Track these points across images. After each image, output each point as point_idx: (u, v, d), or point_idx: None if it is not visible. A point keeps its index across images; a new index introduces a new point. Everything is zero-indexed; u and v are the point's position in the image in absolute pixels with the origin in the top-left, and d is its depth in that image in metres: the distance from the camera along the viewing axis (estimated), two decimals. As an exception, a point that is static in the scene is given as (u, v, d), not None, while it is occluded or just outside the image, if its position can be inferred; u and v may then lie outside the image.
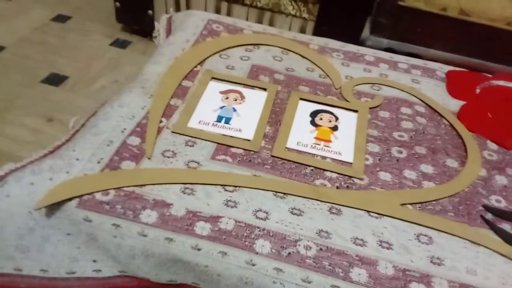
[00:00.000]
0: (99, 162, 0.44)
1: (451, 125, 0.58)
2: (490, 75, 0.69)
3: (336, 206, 0.44)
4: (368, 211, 0.44)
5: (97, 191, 0.40)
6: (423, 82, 0.65)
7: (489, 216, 0.46)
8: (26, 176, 0.42)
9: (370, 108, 0.59)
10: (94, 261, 0.41)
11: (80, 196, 0.40)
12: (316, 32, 1.25)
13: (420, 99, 0.61)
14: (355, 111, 0.57)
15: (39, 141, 0.93)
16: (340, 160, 0.50)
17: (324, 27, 1.16)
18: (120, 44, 1.24)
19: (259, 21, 1.17)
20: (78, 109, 1.01)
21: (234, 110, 0.54)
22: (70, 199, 0.40)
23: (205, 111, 0.53)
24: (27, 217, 0.40)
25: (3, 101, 1.02)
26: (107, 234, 0.39)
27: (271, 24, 1.14)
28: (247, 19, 1.09)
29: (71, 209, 0.40)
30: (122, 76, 1.11)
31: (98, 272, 0.41)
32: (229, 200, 0.43)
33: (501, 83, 0.68)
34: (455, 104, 0.61)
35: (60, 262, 0.41)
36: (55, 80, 1.12)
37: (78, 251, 0.41)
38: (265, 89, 0.58)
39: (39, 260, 0.41)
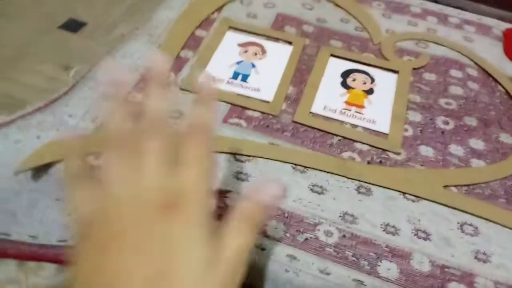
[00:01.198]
0: (93, 121, 0.38)
1: (508, 93, 0.49)
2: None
3: (366, 184, 0.38)
4: (404, 193, 0.38)
5: (89, 154, 0.35)
6: (477, 41, 0.55)
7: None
8: (12, 132, 0.37)
9: (414, 68, 0.50)
10: (87, 230, 0.36)
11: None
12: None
13: (473, 61, 0.52)
14: (396, 71, 0.49)
15: (55, 89, 0.90)
16: (374, 130, 0.43)
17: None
18: (140, -12, 1.16)
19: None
20: (95, 57, 0.96)
21: (253, 66, 0.47)
22: (58, 161, 0.35)
23: (219, 66, 0.46)
24: (12, 179, 0.36)
25: (18, 48, 0.97)
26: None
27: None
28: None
29: (59, 173, 0.35)
30: (143, 24, 1.05)
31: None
32: (240, 172, 0.37)
33: None
34: (512, 68, 0.52)
35: (50, 229, 0.37)
36: (72, 26, 1.07)
37: (70, 218, 0.36)
38: (290, 43, 0.50)
39: (27, 225, 0.37)
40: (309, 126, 0.42)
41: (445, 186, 0.39)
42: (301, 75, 0.47)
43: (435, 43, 0.54)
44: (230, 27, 0.51)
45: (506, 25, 0.59)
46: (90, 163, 0.35)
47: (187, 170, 0.21)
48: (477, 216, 0.37)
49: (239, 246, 0.21)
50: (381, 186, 0.38)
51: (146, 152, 0.22)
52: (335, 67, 0.49)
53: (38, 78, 0.94)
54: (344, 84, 0.47)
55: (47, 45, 1.02)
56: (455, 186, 0.39)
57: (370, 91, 0.47)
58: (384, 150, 0.41)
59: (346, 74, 0.48)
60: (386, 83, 0.48)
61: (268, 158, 0.38)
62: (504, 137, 0.44)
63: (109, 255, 0.20)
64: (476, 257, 0.34)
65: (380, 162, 0.40)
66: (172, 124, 0.26)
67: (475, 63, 0.52)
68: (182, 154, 0.22)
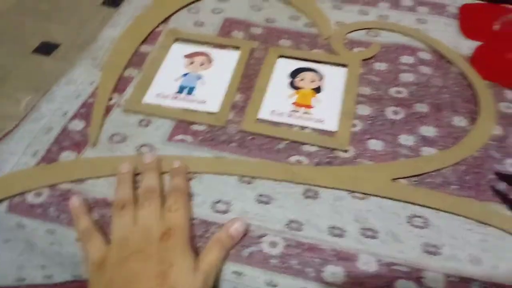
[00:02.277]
0: (34, 155, 0.38)
1: (462, 74, 0.48)
2: (514, 5, 0.57)
3: (313, 187, 0.38)
4: (352, 191, 0.38)
5: (29, 191, 0.35)
6: (430, 22, 0.54)
7: (502, 186, 0.39)
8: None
9: (364, 60, 0.49)
10: (43, 266, 0.37)
11: (10, 198, 0.35)
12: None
13: (426, 44, 0.52)
14: (345, 65, 0.49)
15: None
16: (322, 130, 0.42)
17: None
18: (113, 1, 1.16)
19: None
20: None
21: (199, 77, 0.46)
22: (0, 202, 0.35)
23: (165, 81, 0.45)
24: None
25: (-6, 74, 0.98)
26: (43, 241, 0.35)
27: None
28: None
29: (1, 214, 0.35)
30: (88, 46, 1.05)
31: (50, 278, 0.37)
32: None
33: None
34: (470, 47, 0.51)
35: (5, 270, 0.37)
36: (46, 49, 1.06)
37: (23, 258, 0.37)
38: (238, 48, 0.50)
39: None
40: (256, 134, 0.42)
41: (394, 179, 0.39)
42: (249, 81, 0.47)
43: (386, 30, 0.53)
44: (176, 39, 0.51)
45: (464, 1, 0.58)
46: (29, 202, 0.35)
47: (173, 213, 0.34)
48: (427, 207, 0.37)
49: (211, 261, 0.32)
50: (329, 188, 0.38)
51: (149, 207, 0.34)
52: (283, 68, 0.48)
53: (16, 105, 0.95)
54: (292, 85, 0.46)
55: (21, 71, 1.02)
56: (404, 178, 0.39)
57: (318, 89, 0.46)
58: (332, 149, 0.41)
59: (294, 74, 0.48)
60: (335, 79, 0.47)
61: (213, 173, 0.38)
62: (457, 120, 0.44)
63: (128, 262, 0.31)
64: (425, 251, 0.34)
65: (328, 162, 0.40)
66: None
67: (429, 45, 0.51)
68: (169, 204, 0.35)
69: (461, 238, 0.35)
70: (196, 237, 0.34)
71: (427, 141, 0.42)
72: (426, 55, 0.50)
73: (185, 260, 0.31)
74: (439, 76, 0.48)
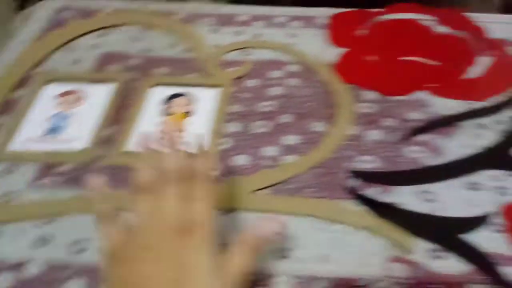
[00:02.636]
0: None
1: (326, 81, 0.51)
2: (382, 10, 0.61)
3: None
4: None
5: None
6: (301, 35, 0.58)
7: (357, 183, 0.41)
8: None
9: (236, 78, 0.52)
10: None
11: None
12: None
13: (294, 57, 0.54)
14: (218, 86, 0.51)
15: None
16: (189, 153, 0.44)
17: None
18: None
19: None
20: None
21: (68, 116, 0.47)
22: None
23: (33, 125, 0.46)
24: None
25: None
26: None
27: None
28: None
29: None
30: None
31: None
32: (41, 237, 0.37)
33: (394, 16, 0.60)
34: (337, 53, 0.54)
35: None
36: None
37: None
38: (113, 81, 0.51)
39: None
40: (120, 166, 0.43)
41: (254, 191, 0.41)
42: (122, 113, 0.48)
43: (258, 48, 0.56)
44: (50, 80, 0.51)
45: (336, 11, 0.61)
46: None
47: (195, 205, 0.29)
48: (283, 213, 0.39)
49: (240, 265, 0.28)
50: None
51: (166, 194, 0.30)
52: (157, 96, 0.50)
53: None
54: (165, 112, 0.48)
55: None
56: (265, 188, 0.41)
57: (191, 113, 0.48)
58: (198, 169, 0.42)
59: (167, 101, 0.49)
60: (208, 101, 0.49)
61: (74, 213, 0.39)
62: (318, 126, 0.46)
63: (139, 263, 0.27)
64: (277, 256, 0.36)
65: (193, 183, 0.41)
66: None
67: (297, 58, 0.54)
68: (191, 194, 0.30)
69: (311, 239, 0.37)
70: (51, 281, 0.35)
71: (289, 149, 0.44)
72: (294, 68, 0.53)
73: (208, 262, 0.27)
74: (305, 86, 0.51)
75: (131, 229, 0.29)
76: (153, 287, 0.26)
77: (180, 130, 0.46)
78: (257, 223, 0.30)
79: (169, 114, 0.48)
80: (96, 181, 0.33)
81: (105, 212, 0.31)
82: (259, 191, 0.41)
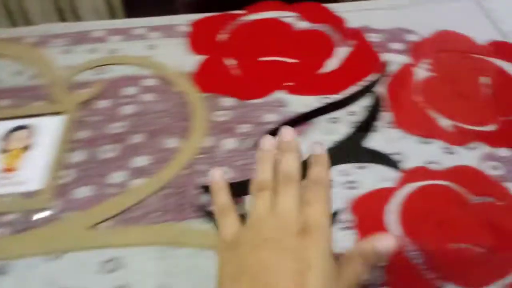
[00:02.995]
0: None
1: (182, 92, 0.49)
2: (243, 11, 0.60)
3: (3, 262, 0.35)
4: (47, 253, 0.35)
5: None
6: (161, 46, 0.55)
7: (206, 198, 0.39)
8: None
9: (84, 101, 0.48)
10: None
11: None
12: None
13: (152, 70, 0.52)
14: (65, 112, 0.47)
15: None
16: (25, 192, 0.40)
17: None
18: None
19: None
20: None
21: None
22: None
23: None
24: None
25: None
26: None
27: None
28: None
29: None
30: None
31: None
32: None
33: (256, 16, 0.59)
34: (196, 62, 0.52)
35: None
36: None
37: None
38: None
39: None
40: None
41: (93, 226, 0.37)
42: (-48, 157, 0.43)
43: (112, 64, 0.53)
44: None
45: (198, 18, 0.59)
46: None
47: (313, 208, 0.31)
48: (123, 246, 0.36)
49: (355, 271, 0.28)
50: (23, 258, 0.35)
51: (285, 194, 0.32)
52: (-4, 133, 0.45)
53: None
54: (2, 149, 0.44)
55: None
56: (106, 220, 0.38)
57: (29, 147, 0.44)
58: (35, 210, 0.39)
59: (5, 137, 0.45)
60: (50, 131, 0.45)
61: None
62: (171, 142, 0.44)
63: (261, 250, 0.28)
64: (116, 293, 0.33)
65: (28, 227, 0.37)
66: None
67: (154, 71, 0.51)
68: (308, 197, 0.31)
69: (151, 269, 0.34)
70: None
71: (138, 172, 0.41)
72: (150, 82, 0.50)
73: (325, 264, 0.27)
74: (162, 100, 0.48)
75: (247, 221, 0.31)
76: (274, 274, 0.27)
77: (12, 170, 0.42)
78: (376, 237, 0.29)
79: (6, 151, 0.43)
80: (217, 172, 0.37)
81: (223, 203, 0.34)
82: (100, 225, 0.37)
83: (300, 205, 0.31)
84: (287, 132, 0.36)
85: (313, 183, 0.33)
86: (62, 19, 1.25)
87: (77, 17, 1.26)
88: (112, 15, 1.29)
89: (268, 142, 0.36)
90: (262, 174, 0.34)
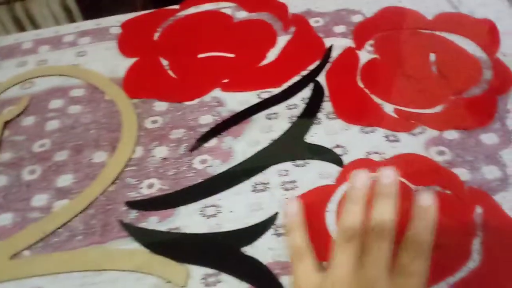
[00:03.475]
0: None
1: (112, 101, 0.46)
2: (177, 7, 0.56)
3: None
4: (-42, 292, 0.33)
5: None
6: (90, 52, 0.52)
7: (133, 215, 0.36)
8: None
9: (8, 121, 0.45)
10: None
11: None
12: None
13: (81, 79, 0.48)
14: (-13, 134, 0.44)
15: None
16: None
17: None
18: None
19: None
20: None
21: None
22: None
23: None
24: None
25: None
26: None
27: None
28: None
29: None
30: None
31: None
32: None
33: (192, 11, 0.56)
34: (127, 66, 0.49)
35: None
36: None
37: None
38: None
39: None
40: None
41: (14, 255, 0.35)
42: None
43: (39, 76, 0.49)
44: None
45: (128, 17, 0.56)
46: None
47: (409, 282, 0.25)
48: (45, 274, 0.33)
49: None
50: None
51: (375, 253, 0.26)
52: None
53: None
54: None
55: None
56: (27, 249, 0.35)
57: None
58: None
59: None
60: (-30, 155, 0.42)
61: None
62: (98, 156, 0.41)
63: None
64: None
65: None
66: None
67: (83, 80, 0.48)
68: (405, 262, 0.26)
69: (73, 298, 0.32)
70: None
71: (62, 193, 0.39)
72: (79, 92, 0.47)
73: None
74: (90, 111, 0.45)
75: (324, 273, 0.27)
76: None
77: None
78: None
79: None
80: (293, 206, 0.31)
81: (299, 245, 0.29)
82: (23, 253, 0.35)
83: (391, 270, 0.26)
84: (388, 174, 0.29)
85: (414, 246, 0.26)
86: (21, 28, 1.21)
87: (36, 26, 1.22)
88: (71, 20, 1.25)
89: (362, 178, 0.29)
90: (351, 218, 0.28)
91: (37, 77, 0.49)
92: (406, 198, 0.34)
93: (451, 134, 0.39)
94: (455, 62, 0.45)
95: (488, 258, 0.31)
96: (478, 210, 0.33)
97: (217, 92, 0.45)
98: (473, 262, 0.31)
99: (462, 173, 0.36)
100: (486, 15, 0.49)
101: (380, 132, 0.40)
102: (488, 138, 0.38)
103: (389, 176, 0.29)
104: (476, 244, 0.32)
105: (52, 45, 0.53)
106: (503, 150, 0.37)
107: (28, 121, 0.45)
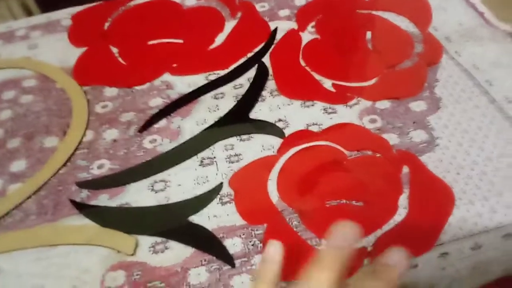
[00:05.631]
0: None
1: (63, 89, 0.47)
2: (129, -3, 0.57)
3: None
4: None
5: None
6: (42, 44, 0.53)
7: (84, 194, 0.38)
8: None
9: (-38, 113, 0.46)
10: None
11: None
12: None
13: (33, 70, 0.49)
14: None
15: None
16: None
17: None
18: None
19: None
20: None
21: None
22: None
23: None
24: None
25: None
26: None
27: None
28: None
29: None
30: None
31: None
32: None
33: (140, 1, 0.57)
34: (77, 56, 0.50)
35: None
36: None
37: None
38: None
39: None
40: None
41: (-35, 239, 0.36)
42: None
43: (-8, 70, 0.50)
44: None
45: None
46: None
47: None
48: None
49: None
50: None
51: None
52: None
53: None
54: None
55: None
56: (-21, 231, 0.36)
57: None
58: None
59: None
60: None
61: None
62: (49, 141, 0.42)
63: None
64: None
65: None
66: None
67: (35, 71, 0.49)
68: None
69: (25, 271, 0.33)
70: None
71: (15, 177, 0.40)
72: (30, 82, 0.48)
73: None
74: (40, 100, 0.46)
75: None
76: None
77: None
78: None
79: None
80: (274, 253, 0.27)
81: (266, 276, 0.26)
82: (-29, 236, 0.36)
83: None
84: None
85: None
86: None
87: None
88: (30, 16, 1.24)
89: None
90: (326, 249, 0.24)
91: (-14, 70, 0.50)
92: (339, 165, 0.37)
93: (383, 104, 0.42)
94: (389, 38, 0.48)
95: (413, 211, 0.34)
96: (405, 169, 0.36)
97: (166, 76, 0.47)
98: (399, 216, 0.34)
99: (392, 138, 0.39)
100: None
101: (319, 105, 0.42)
102: (417, 105, 0.41)
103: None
104: (402, 200, 0.34)
105: (4, 40, 0.54)
106: (431, 115, 0.40)
107: (-19, 112, 0.46)
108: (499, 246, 0.32)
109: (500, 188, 0.34)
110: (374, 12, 0.51)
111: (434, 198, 0.35)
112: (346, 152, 0.38)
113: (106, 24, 0.54)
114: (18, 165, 0.40)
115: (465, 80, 0.43)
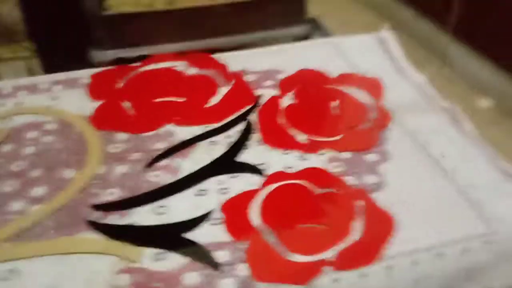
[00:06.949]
0: None
1: (81, 132, 0.56)
2: (139, 64, 0.69)
3: None
4: None
5: None
6: (63, 96, 0.62)
7: (97, 214, 0.45)
8: None
9: (-10, 147, 0.54)
10: None
11: None
12: (46, 66, 1.21)
13: (54, 116, 0.59)
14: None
15: None
16: None
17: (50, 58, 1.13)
18: None
19: None
20: None
21: None
22: None
23: None
24: None
25: None
26: None
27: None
28: None
29: None
30: None
31: None
32: None
33: (151, 67, 0.69)
34: (94, 107, 0.60)
35: None
36: None
37: None
38: None
39: None
40: None
41: (-4, 245, 0.42)
42: None
43: (17, 114, 0.59)
44: None
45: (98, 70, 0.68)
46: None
47: None
48: (23, 258, 0.41)
49: None
50: None
51: None
52: None
53: None
54: None
55: None
56: (6, 241, 0.43)
57: None
58: None
59: None
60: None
61: None
62: (68, 173, 0.50)
63: None
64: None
65: None
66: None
67: (56, 117, 0.58)
68: None
69: (41, 275, 0.40)
70: None
71: (36, 200, 0.47)
72: (52, 126, 0.57)
73: None
74: (61, 140, 0.55)
75: None
76: None
77: None
78: None
79: None
80: None
81: None
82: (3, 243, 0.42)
83: None
84: None
85: None
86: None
87: None
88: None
89: None
90: None
91: (14, 114, 0.59)
92: (309, 198, 0.46)
93: (346, 155, 0.52)
94: (350, 107, 0.60)
95: (366, 233, 0.43)
96: (359, 203, 0.46)
97: (169, 127, 0.57)
98: (354, 237, 0.42)
99: (350, 180, 0.49)
100: (375, 74, 0.66)
101: (294, 153, 0.53)
102: (371, 157, 0.52)
103: None
104: (355, 224, 0.43)
105: (28, 91, 0.63)
106: (380, 165, 0.51)
107: (7, 148, 0.53)
108: (433, 264, 0.41)
109: (432, 217, 0.44)
110: (339, 87, 0.64)
111: (379, 224, 0.44)
112: (315, 189, 0.47)
113: (120, 84, 0.64)
114: (39, 191, 0.48)
115: (408, 141, 0.54)
